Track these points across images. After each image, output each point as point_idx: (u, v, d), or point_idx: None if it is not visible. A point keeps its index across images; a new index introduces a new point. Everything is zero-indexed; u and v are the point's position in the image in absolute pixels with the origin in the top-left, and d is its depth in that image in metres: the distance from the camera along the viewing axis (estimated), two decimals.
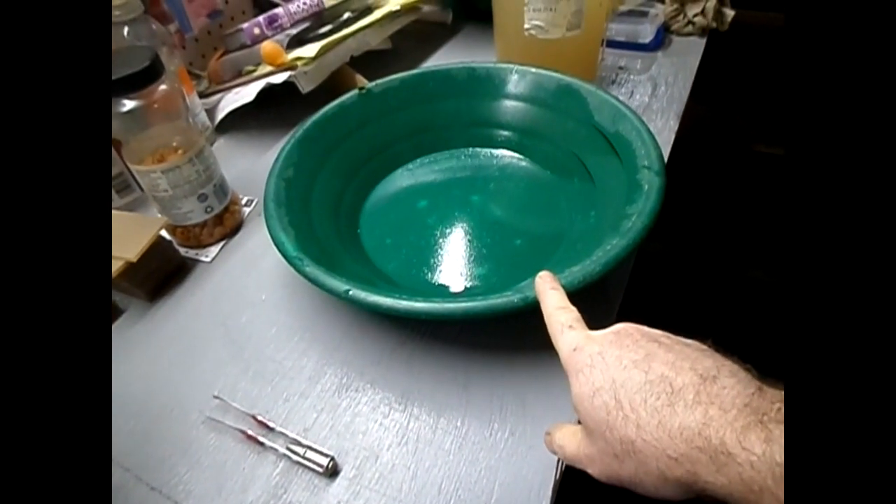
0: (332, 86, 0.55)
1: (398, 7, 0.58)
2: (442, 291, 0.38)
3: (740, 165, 1.52)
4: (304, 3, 0.55)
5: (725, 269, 1.14)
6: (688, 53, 0.62)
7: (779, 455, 0.17)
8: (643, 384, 0.21)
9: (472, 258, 0.41)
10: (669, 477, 0.20)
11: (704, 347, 0.23)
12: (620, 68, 0.61)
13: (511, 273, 0.39)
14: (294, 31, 0.55)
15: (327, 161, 0.45)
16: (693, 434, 0.19)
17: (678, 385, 0.21)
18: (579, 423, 0.24)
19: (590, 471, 0.24)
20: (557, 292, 0.28)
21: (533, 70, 0.48)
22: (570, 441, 0.25)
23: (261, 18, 0.53)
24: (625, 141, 0.41)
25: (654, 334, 0.24)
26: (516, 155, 0.49)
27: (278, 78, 0.51)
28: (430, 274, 0.40)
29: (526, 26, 0.49)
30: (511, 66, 0.49)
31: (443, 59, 0.67)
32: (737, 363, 0.21)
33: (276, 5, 0.64)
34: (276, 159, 0.42)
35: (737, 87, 1.59)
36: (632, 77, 0.59)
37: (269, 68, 0.53)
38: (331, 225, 0.41)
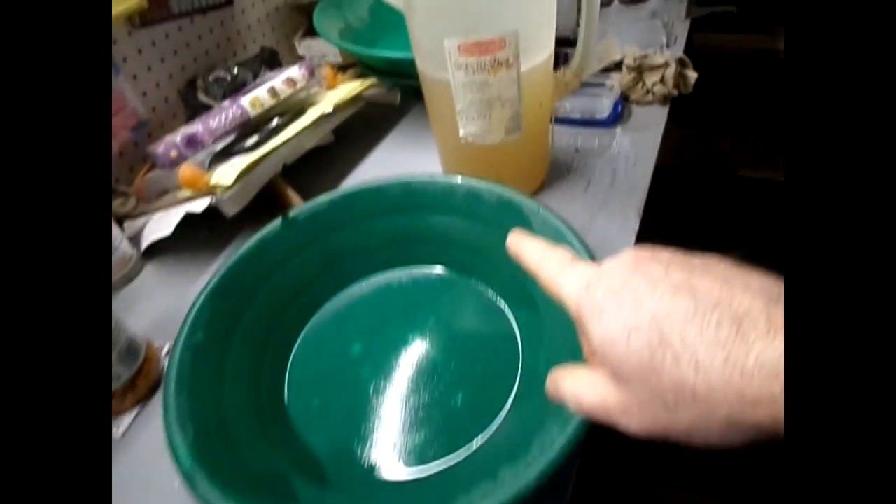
0: (268, 192, 0.51)
1: (330, 109, 0.54)
2: (371, 479, 0.33)
3: (726, 190, 1.47)
4: (227, 117, 0.51)
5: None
6: (649, 126, 0.58)
7: None
8: (693, 314, 0.18)
9: (407, 424, 0.36)
10: (743, 424, 0.17)
11: (730, 263, 0.19)
12: (577, 150, 0.56)
13: (451, 441, 0.34)
14: (218, 147, 0.51)
15: (246, 311, 0.40)
16: (777, 368, 0.16)
17: (740, 310, 0.17)
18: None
19: (623, 424, 0.20)
20: (537, 241, 0.25)
21: (473, 183, 0.43)
22: (590, 390, 0.21)
23: (178, 139, 0.49)
24: None
25: (673, 255, 0.20)
26: (457, 274, 0.45)
27: (198, 205, 0.47)
28: (361, 448, 0.35)
29: (461, 133, 0.45)
30: (449, 179, 0.44)
31: (391, 148, 0.63)
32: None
33: (209, 107, 0.60)
34: (185, 320, 0.38)
35: (718, 111, 1.55)
36: (588, 161, 0.55)
37: (190, 191, 0.49)
38: (248, 397, 0.37)
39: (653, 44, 0.72)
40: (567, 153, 0.56)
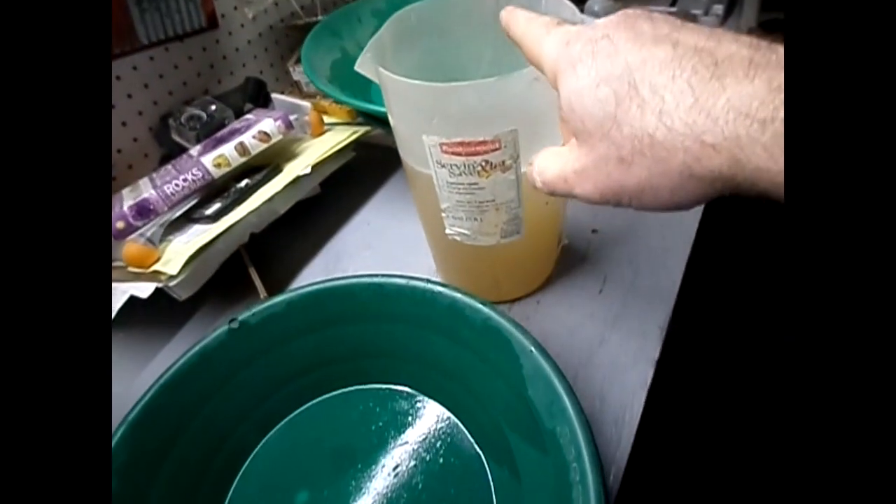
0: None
1: (308, 171, 0.46)
2: None
3: (766, 225, 1.34)
4: (184, 180, 0.44)
5: (758, 338, 1.00)
6: None
7: None
8: (670, 60, 0.17)
9: None
10: (698, 172, 0.16)
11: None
12: (594, 232, 0.47)
13: None
14: (175, 215, 0.44)
15: (173, 448, 0.34)
16: (749, 108, 0.15)
17: (722, 55, 0.16)
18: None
19: (579, 192, 0.21)
20: (530, 11, 0.24)
21: (457, 297, 0.35)
22: (554, 160, 0.22)
23: (125, 209, 0.42)
24: (556, 442, 0.29)
25: (668, 15, 0.19)
26: (430, 402, 0.37)
27: (144, 290, 0.41)
28: None
29: (447, 231, 0.37)
30: (429, 287, 0.36)
31: (385, 202, 0.54)
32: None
33: (185, 149, 0.53)
34: None
35: None
36: (607, 248, 0.46)
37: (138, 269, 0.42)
38: None
39: None
40: (581, 235, 0.47)
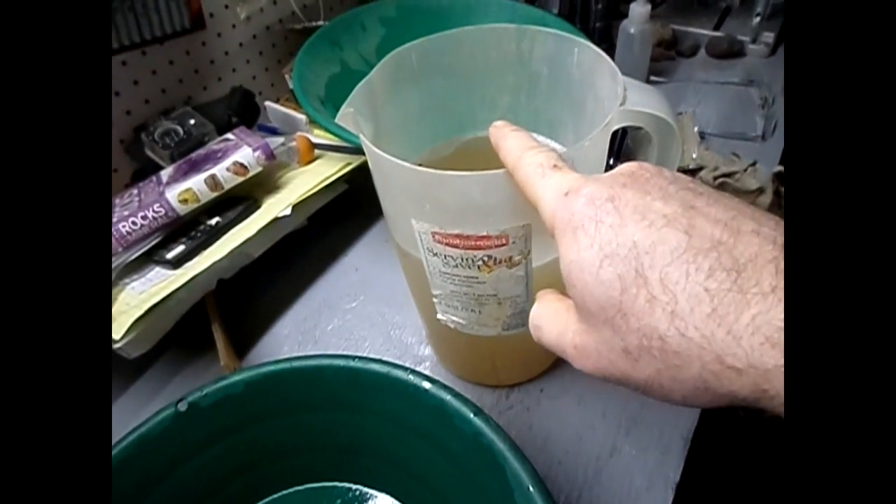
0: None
1: (288, 212, 0.40)
2: None
3: None
4: (143, 218, 0.38)
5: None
6: None
7: None
8: (683, 251, 0.15)
9: None
10: (716, 389, 0.14)
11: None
12: None
13: None
14: (132, 257, 0.39)
15: None
16: (779, 336, 0.13)
17: (743, 258, 0.14)
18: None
19: (577, 364, 0.19)
20: (522, 133, 0.21)
21: (446, 398, 0.29)
22: (553, 321, 0.20)
23: None
24: None
25: (682, 177, 0.18)
26: None
27: None
28: None
29: (439, 317, 0.31)
30: (411, 380, 0.30)
31: (369, 249, 0.48)
32: None
33: (160, 167, 0.47)
34: None
35: None
36: None
37: None
38: None
39: (744, 128, 0.54)
40: None
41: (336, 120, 0.26)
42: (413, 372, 0.30)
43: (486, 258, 0.25)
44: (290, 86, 0.60)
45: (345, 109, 0.26)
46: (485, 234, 0.24)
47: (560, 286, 0.30)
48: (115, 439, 0.30)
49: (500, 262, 0.25)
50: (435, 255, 0.26)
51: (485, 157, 0.33)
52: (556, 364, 0.37)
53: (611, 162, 0.49)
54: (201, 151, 0.45)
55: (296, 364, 0.32)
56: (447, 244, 0.25)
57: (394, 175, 0.23)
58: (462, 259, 0.25)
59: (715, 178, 0.42)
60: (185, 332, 0.39)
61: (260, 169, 0.42)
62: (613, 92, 0.24)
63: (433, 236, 0.24)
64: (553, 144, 0.33)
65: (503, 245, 0.24)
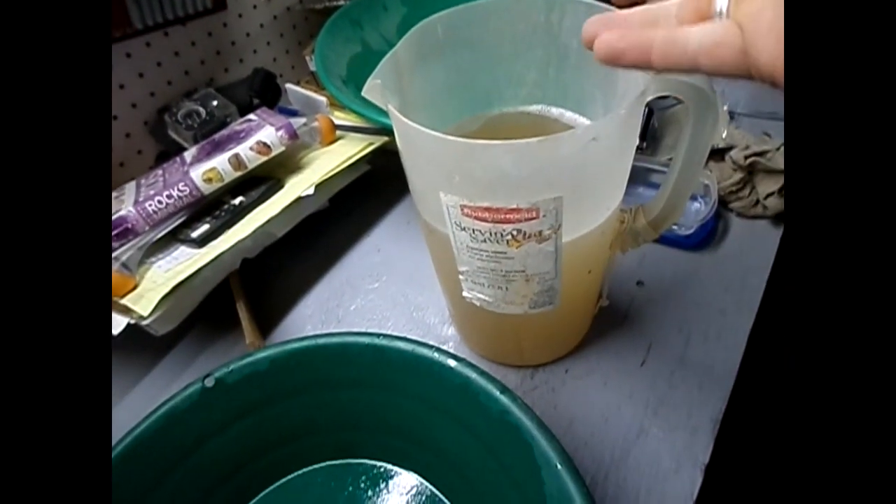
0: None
1: (311, 192, 0.40)
2: None
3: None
4: (168, 197, 0.38)
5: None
6: (751, 253, 0.41)
7: None
8: None
9: None
10: None
11: None
12: (639, 284, 0.40)
13: None
14: (157, 236, 0.39)
15: None
16: None
17: None
18: None
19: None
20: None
21: (472, 376, 0.29)
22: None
23: None
24: None
25: None
26: (431, 490, 0.32)
27: (114, 325, 0.36)
28: None
29: (464, 294, 0.31)
30: (437, 357, 0.30)
31: (392, 229, 0.48)
32: None
33: (184, 148, 0.48)
34: None
35: None
36: (654, 307, 0.39)
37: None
38: None
39: (775, 108, 0.52)
40: (624, 288, 0.40)
41: (363, 92, 0.26)
42: (438, 350, 0.30)
43: (515, 232, 0.24)
44: (311, 68, 0.59)
45: (371, 81, 0.25)
46: (515, 206, 0.23)
47: (589, 263, 0.30)
48: (144, 414, 0.30)
49: (529, 236, 0.25)
50: (463, 229, 0.25)
51: (512, 132, 0.32)
52: (581, 344, 0.37)
53: (637, 142, 0.48)
54: (224, 132, 0.45)
55: (320, 341, 0.32)
56: (476, 217, 0.24)
57: (422, 145, 0.23)
58: (491, 233, 0.25)
59: (745, 158, 0.41)
60: (210, 310, 0.40)
61: (283, 148, 0.42)
62: None
63: (461, 209, 0.24)
64: (580, 119, 0.32)
65: (534, 218, 0.24)
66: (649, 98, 0.24)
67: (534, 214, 0.23)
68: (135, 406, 0.38)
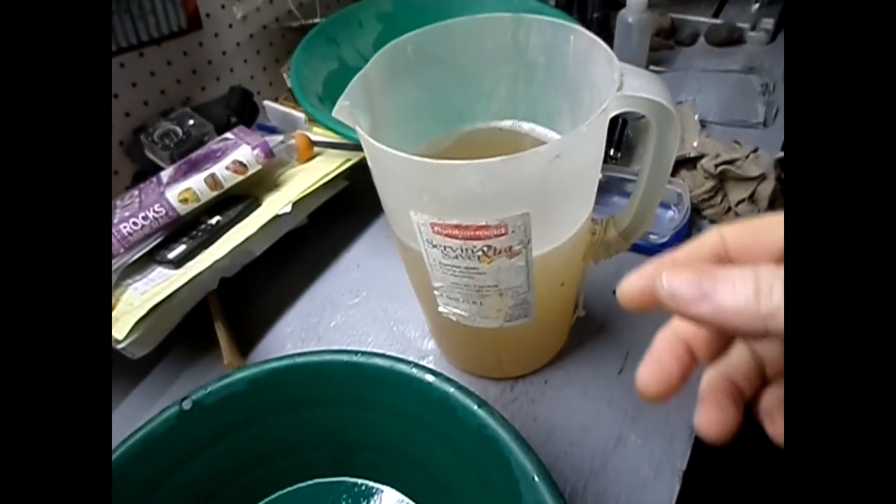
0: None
1: (289, 209, 0.40)
2: None
3: None
4: (144, 218, 0.38)
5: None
6: None
7: None
8: None
9: None
10: None
11: None
12: (615, 293, 0.41)
13: None
14: (133, 258, 0.39)
15: None
16: None
17: None
18: None
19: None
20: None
21: (450, 391, 0.29)
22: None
23: None
24: None
25: None
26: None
27: None
28: None
29: (441, 310, 0.31)
30: (416, 373, 0.30)
31: (370, 245, 0.48)
32: None
33: (160, 168, 0.48)
34: None
35: None
36: (629, 317, 0.39)
37: None
38: None
39: (746, 116, 0.54)
40: (600, 296, 0.41)
41: (333, 113, 0.26)
42: (416, 365, 0.30)
43: (485, 248, 0.25)
44: (289, 84, 0.60)
45: (341, 103, 0.26)
46: (483, 223, 0.23)
47: (562, 276, 0.30)
48: (121, 439, 0.30)
49: (499, 252, 0.25)
50: (434, 246, 0.26)
51: (483, 147, 0.32)
52: (559, 355, 0.37)
53: (611, 152, 0.49)
54: (201, 151, 0.45)
55: (299, 360, 0.32)
56: (446, 235, 0.24)
57: (391, 166, 0.23)
58: (462, 250, 0.25)
59: (716, 166, 0.42)
60: (188, 331, 0.39)
61: (259, 167, 0.42)
62: (610, 78, 0.24)
63: (432, 227, 0.24)
64: (550, 133, 0.33)
65: (503, 234, 0.24)
66: (612, 114, 0.24)
67: (502, 231, 0.24)
68: (112, 431, 0.38)
